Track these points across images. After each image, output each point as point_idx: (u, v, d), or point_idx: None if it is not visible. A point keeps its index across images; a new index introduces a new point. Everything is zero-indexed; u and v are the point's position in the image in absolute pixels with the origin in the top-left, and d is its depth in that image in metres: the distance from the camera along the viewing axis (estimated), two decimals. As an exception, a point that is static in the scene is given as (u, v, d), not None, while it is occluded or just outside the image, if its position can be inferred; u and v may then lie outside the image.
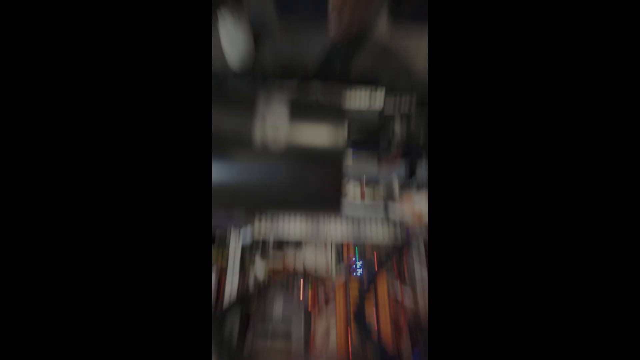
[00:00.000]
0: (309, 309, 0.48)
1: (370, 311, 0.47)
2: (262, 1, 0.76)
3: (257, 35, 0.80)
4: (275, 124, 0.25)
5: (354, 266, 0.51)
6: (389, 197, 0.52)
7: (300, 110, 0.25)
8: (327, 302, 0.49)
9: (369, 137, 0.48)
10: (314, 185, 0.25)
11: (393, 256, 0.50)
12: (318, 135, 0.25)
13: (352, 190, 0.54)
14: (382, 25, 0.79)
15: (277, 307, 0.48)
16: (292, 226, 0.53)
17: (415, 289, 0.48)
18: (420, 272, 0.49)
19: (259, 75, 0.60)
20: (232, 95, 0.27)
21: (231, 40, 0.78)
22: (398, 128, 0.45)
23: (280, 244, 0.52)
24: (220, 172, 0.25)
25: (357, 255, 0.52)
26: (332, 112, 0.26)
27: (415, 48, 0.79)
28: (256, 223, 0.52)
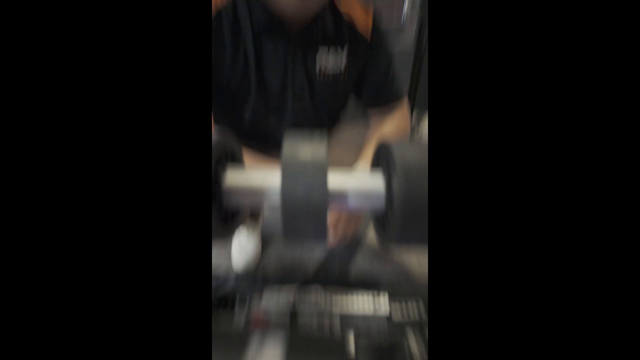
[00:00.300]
0: None
1: None
2: (273, 218, 0.94)
3: (265, 244, 0.90)
4: None
5: None
6: None
7: (297, 350, 0.21)
8: None
9: (382, 356, 0.39)
10: None
11: None
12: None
13: None
14: (372, 236, 0.92)
15: None
16: None
17: None
18: None
19: (260, 279, 0.61)
20: (225, 332, 0.23)
21: (241, 248, 0.87)
22: (414, 344, 0.38)
23: None
24: None
25: None
26: (333, 348, 0.22)
27: (407, 256, 0.86)
28: None
